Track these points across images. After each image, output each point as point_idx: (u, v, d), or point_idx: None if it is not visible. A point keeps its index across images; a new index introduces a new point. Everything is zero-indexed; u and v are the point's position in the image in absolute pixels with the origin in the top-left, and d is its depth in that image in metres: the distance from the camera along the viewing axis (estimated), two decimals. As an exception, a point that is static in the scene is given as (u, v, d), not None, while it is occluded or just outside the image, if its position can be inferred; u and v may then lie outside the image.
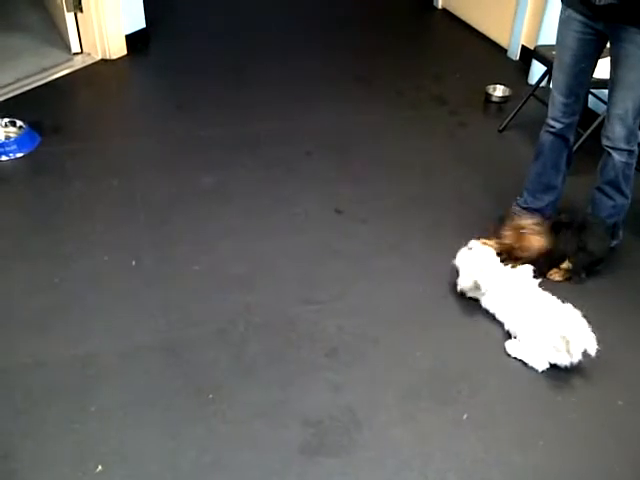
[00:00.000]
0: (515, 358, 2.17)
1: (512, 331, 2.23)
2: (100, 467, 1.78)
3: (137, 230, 2.71)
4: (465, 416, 1.98)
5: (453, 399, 2.04)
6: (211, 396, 1.99)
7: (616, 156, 2.47)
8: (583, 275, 2.53)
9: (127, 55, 4.27)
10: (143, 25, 4.37)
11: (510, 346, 2.19)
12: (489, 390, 2.08)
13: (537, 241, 2.45)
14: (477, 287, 2.32)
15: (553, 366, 2.12)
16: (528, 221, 2.49)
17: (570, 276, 2.54)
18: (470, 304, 2.39)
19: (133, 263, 2.51)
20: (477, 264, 2.31)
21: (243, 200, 2.96)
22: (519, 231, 2.47)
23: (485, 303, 2.33)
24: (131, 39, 4.28)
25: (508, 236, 2.49)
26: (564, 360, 2.09)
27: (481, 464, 1.85)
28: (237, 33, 4.88)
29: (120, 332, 2.22)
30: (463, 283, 2.35)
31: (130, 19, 4.24)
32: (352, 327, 2.28)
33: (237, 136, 3.49)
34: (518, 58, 4.55)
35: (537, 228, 2.47)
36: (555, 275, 2.53)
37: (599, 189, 2.60)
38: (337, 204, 2.96)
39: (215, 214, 2.85)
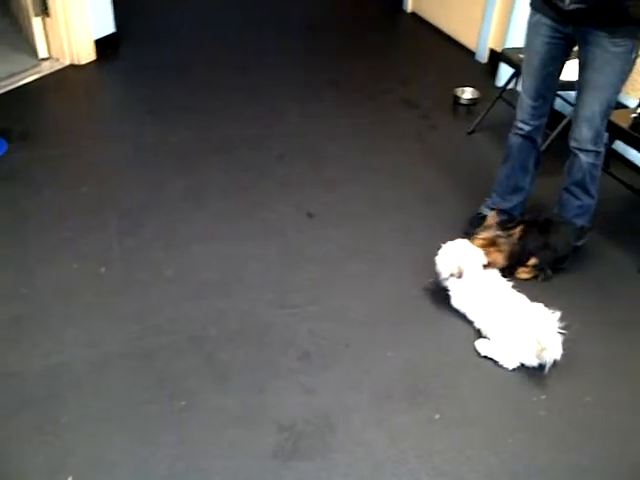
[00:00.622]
0: (486, 357, 2.20)
1: (482, 330, 2.26)
2: (71, 478, 1.76)
3: (107, 237, 2.68)
4: (437, 416, 2.00)
5: (425, 399, 2.06)
6: (184, 403, 1.99)
7: (583, 157, 2.52)
8: (549, 272, 2.59)
9: (96, 60, 4.24)
10: (112, 29, 4.34)
11: (481, 345, 2.22)
12: (461, 389, 2.10)
13: (500, 258, 2.49)
14: (459, 274, 2.32)
15: (523, 364, 2.16)
16: (498, 233, 2.51)
17: (537, 274, 2.58)
18: (441, 304, 2.41)
19: (102, 270, 2.49)
20: (463, 252, 2.34)
21: (216, 205, 2.95)
22: (489, 244, 2.49)
23: (455, 303, 2.36)
24: (100, 44, 4.25)
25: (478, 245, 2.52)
26: (533, 362, 2.13)
27: (454, 463, 1.87)
28: (208, 37, 4.88)
29: (91, 341, 2.20)
30: (445, 268, 2.34)
31: (99, 23, 4.21)
32: (325, 331, 2.29)
33: (209, 140, 3.48)
34: (486, 61, 4.61)
35: (505, 241, 2.50)
36: (522, 274, 2.58)
37: (566, 189, 2.65)
38: (309, 208, 2.97)
39: (187, 219, 2.84)
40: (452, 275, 2.33)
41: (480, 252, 2.37)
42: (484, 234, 2.52)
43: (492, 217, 2.59)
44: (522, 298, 2.25)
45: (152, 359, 2.14)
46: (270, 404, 2.01)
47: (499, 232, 2.52)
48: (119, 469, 1.80)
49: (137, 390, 2.03)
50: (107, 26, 4.29)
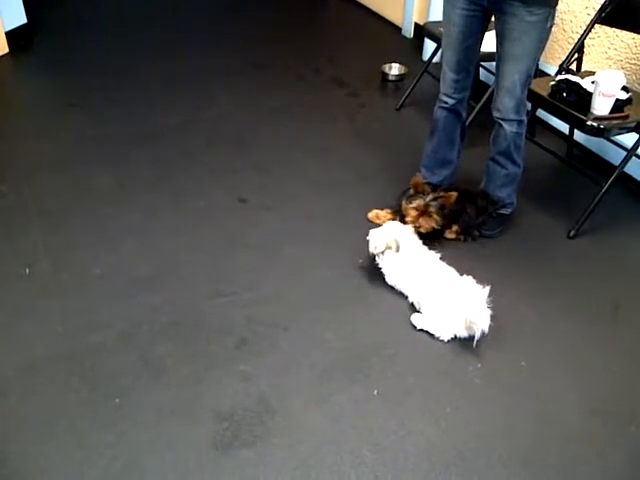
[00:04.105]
0: (422, 330, 2.22)
1: (416, 304, 2.28)
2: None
3: (30, 237, 2.58)
4: (376, 392, 2.00)
5: (364, 376, 2.06)
6: (118, 401, 1.93)
7: (507, 127, 2.55)
8: (476, 233, 2.68)
9: (9, 53, 4.06)
10: (24, 20, 4.16)
11: (416, 319, 2.23)
12: (398, 364, 2.11)
13: (431, 224, 2.56)
14: (390, 247, 2.33)
15: (457, 336, 2.18)
16: (428, 201, 2.55)
17: (462, 236, 2.68)
18: (376, 282, 2.42)
19: (27, 271, 2.39)
20: (395, 227, 2.37)
21: (144, 197, 2.87)
22: (421, 212, 2.55)
23: (389, 279, 2.37)
24: (12, 35, 4.06)
25: (409, 213, 2.57)
26: (464, 334, 2.16)
27: (394, 437, 1.88)
28: (128, 24, 4.73)
29: (17, 345, 2.11)
30: (378, 242, 2.34)
31: (9, 15, 4.03)
32: (262, 316, 2.27)
33: (135, 132, 3.38)
34: (412, 36, 4.62)
35: (436, 208, 2.55)
36: (448, 234, 2.67)
37: (492, 159, 2.68)
38: (241, 193, 2.92)
39: (115, 214, 2.75)
40: (381, 253, 2.35)
41: (410, 229, 2.39)
42: (416, 202, 2.56)
43: (419, 183, 2.62)
44: (452, 271, 2.28)
45: (82, 360, 2.07)
46: (208, 395, 1.97)
47: (429, 199, 2.55)
48: (53, 476, 1.74)
49: (68, 393, 1.96)
50: (18, 17, 4.11)
